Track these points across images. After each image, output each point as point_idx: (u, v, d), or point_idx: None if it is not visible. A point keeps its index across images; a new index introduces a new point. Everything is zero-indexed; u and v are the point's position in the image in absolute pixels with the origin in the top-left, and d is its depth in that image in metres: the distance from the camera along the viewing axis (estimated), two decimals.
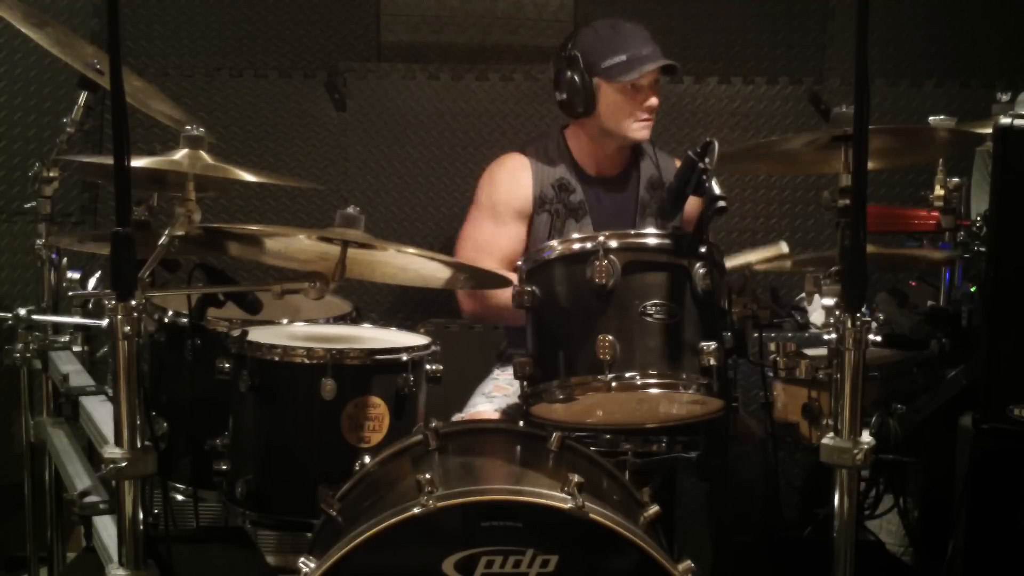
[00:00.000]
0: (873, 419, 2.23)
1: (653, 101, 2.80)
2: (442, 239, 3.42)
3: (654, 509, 1.90)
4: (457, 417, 2.75)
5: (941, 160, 2.54)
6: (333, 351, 2.18)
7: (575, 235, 2.15)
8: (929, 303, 2.54)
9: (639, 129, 2.81)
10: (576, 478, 1.73)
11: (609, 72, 2.75)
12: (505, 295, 2.65)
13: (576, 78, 2.76)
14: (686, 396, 2.07)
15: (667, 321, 2.00)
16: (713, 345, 1.99)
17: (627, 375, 1.98)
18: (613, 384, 1.97)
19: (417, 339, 2.35)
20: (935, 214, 2.56)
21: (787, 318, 2.85)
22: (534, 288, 2.07)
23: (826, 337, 1.79)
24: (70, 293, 2.60)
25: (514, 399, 2.37)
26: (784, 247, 2.64)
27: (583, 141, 2.89)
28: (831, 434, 1.77)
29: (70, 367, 2.47)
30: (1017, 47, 3.52)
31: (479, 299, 2.81)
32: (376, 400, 2.20)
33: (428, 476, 1.73)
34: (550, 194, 2.86)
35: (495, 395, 2.79)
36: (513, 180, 2.87)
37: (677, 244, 2.03)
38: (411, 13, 3.51)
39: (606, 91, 2.77)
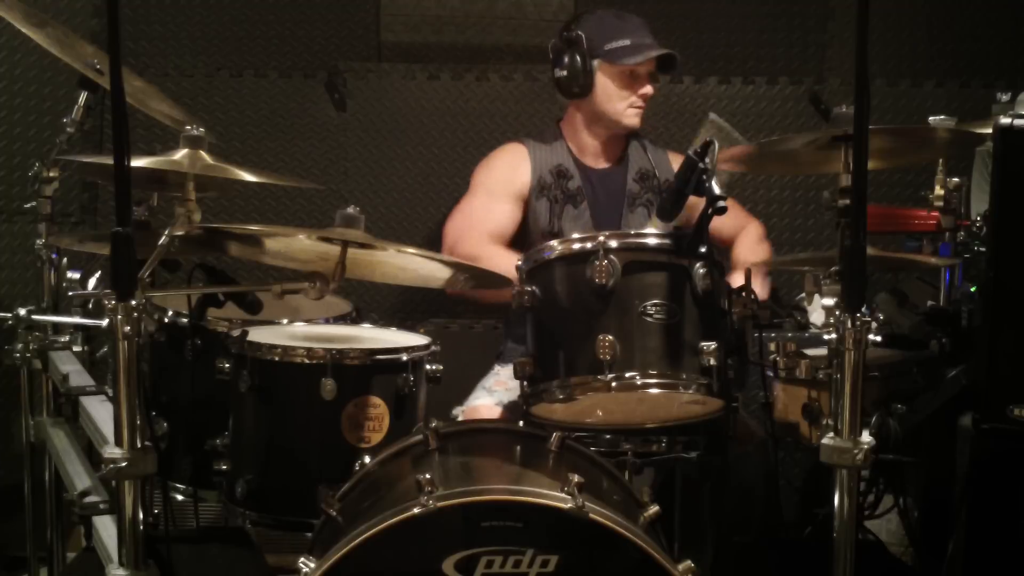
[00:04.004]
0: (873, 419, 2.23)
1: (648, 89, 2.86)
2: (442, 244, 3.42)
3: (654, 509, 1.90)
4: (457, 409, 2.76)
5: (941, 160, 2.54)
6: (333, 351, 2.18)
7: (575, 235, 2.16)
8: (929, 303, 2.53)
9: (632, 115, 2.86)
10: (576, 478, 1.73)
11: (611, 55, 2.78)
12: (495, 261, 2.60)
13: (577, 58, 2.80)
14: (686, 396, 2.07)
15: (667, 321, 2.00)
16: (713, 345, 1.99)
17: (627, 375, 1.98)
18: (613, 384, 1.97)
19: (417, 339, 2.35)
20: (935, 214, 2.56)
21: (787, 318, 2.85)
22: (534, 288, 2.07)
23: (826, 337, 1.79)
24: (70, 293, 2.60)
25: (515, 394, 2.37)
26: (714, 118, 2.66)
27: (578, 129, 2.93)
28: (831, 434, 1.77)
29: (70, 367, 2.47)
30: (1017, 47, 3.52)
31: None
32: (376, 400, 2.20)
33: (428, 476, 1.73)
34: (549, 180, 2.89)
35: (496, 389, 2.80)
36: (512, 165, 2.91)
37: (677, 244, 2.03)
38: (411, 13, 3.50)
39: (605, 73, 2.81)
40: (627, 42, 2.79)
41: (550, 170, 2.90)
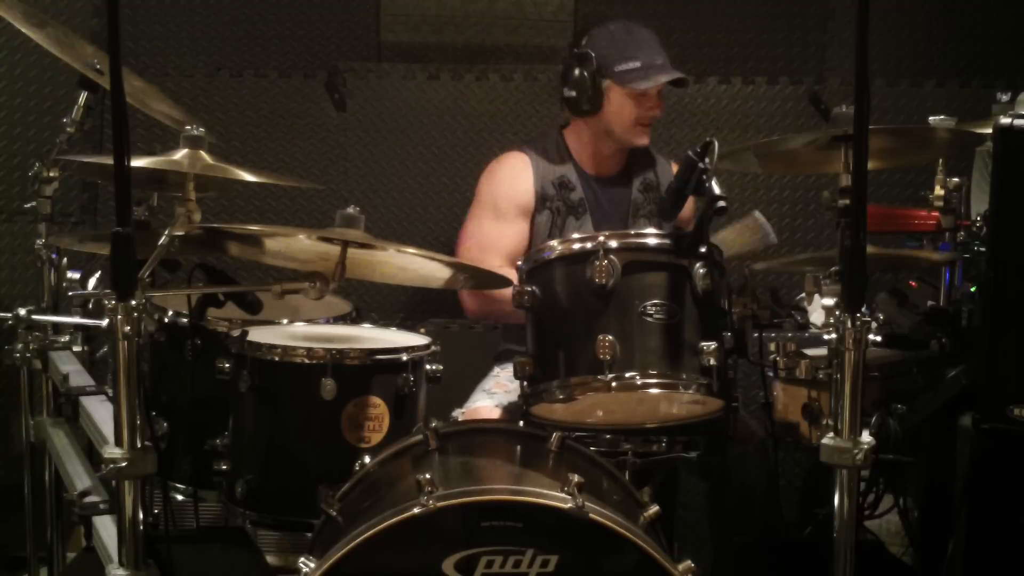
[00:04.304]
0: (873, 419, 2.23)
1: (658, 112, 2.86)
2: (442, 239, 3.42)
3: (654, 509, 1.90)
4: (457, 411, 2.76)
5: (941, 160, 2.54)
6: (333, 351, 2.18)
7: (575, 235, 2.15)
8: (929, 303, 2.53)
9: (640, 134, 2.86)
10: (576, 478, 1.73)
11: (622, 77, 2.77)
12: (509, 292, 2.63)
13: (587, 76, 2.79)
14: (686, 396, 2.07)
15: (667, 321, 2.00)
16: (713, 345, 1.99)
17: (627, 375, 1.98)
18: (613, 384, 1.97)
19: (417, 339, 2.35)
20: (935, 214, 2.55)
21: (787, 318, 2.85)
22: (534, 288, 2.07)
23: (826, 337, 1.79)
24: (70, 293, 2.60)
25: (514, 396, 2.37)
26: (759, 216, 2.64)
27: (583, 140, 2.91)
28: (831, 434, 1.77)
29: (70, 367, 2.47)
30: (1017, 47, 3.52)
31: (482, 298, 2.81)
32: (376, 400, 2.20)
33: (428, 476, 1.73)
34: (551, 191, 2.87)
35: (495, 391, 2.79)
36: (514, 177, 2.89)
37: (677, 244, 2.03)
38: (411, 13, 3.51)
39: (615, 94, 2.80)
40: (637, 64, 2.77)
41: (552, 181, 2.88)
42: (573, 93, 2.82)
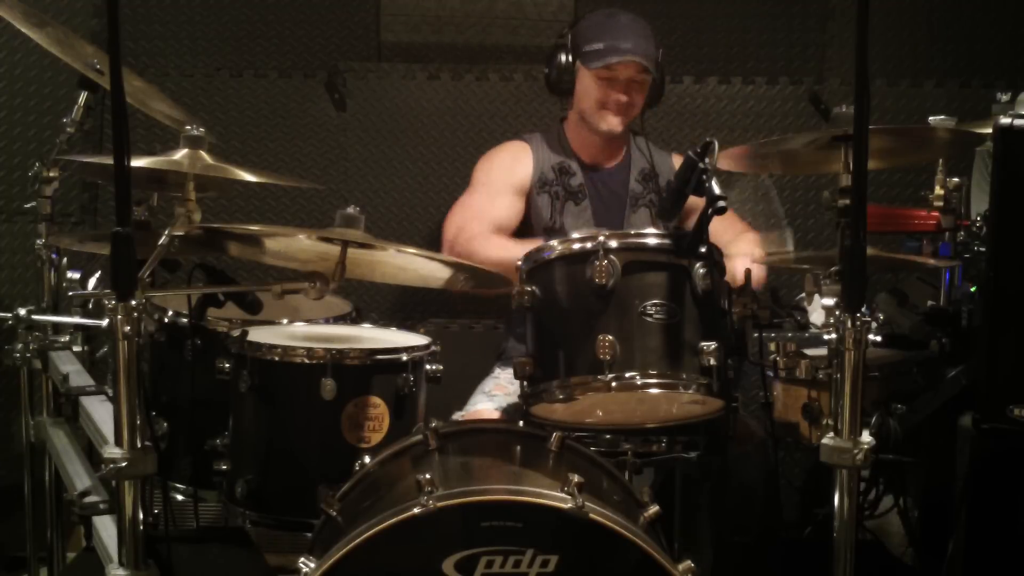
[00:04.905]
0: (873, 419, 2.23)
1: (622, 97, 2.82)
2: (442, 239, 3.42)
3: (654, 509, 1.90)
4: (457, 415, 2.76)
5: (941, 160, 2.54)
6: (333, 351, 2.18)
7: (575, 235, 2.16)
8: (929, 303, 2.53)
9: (607, 119, 2.85)
10: (576, 478, 1.73)
11: (585, 56, 2.81)
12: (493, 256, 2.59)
13: (561, 57, 2.83)
14: (686, 396, 2.06)
15: (667, 321, 2.00)
16: (713, 345, 1.99)
17: (627, 375, 1.98)
18: (613, 384, 1.97)
19: (417, 339, 2.35)
20: (935, 214, 2.55)
21: (787, 318, 2.85)
22: (534, 288, 2.07)
23: (826, 337, 1.79)
24: (70, 293, 2.60)
25: (515, 398, 2.37)
26: (789, 243, 2.65)
27: (576, 129, 2.95)
28: (831, 434, 1.77)
29: (70, 367, 2.47)
30: (1017, 47, 3.52)
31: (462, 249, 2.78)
32: (376, 400, 2.20)
33: (428, 476, 1.73)
34: (551, 176, 2.90)
35: (496, 394, 2.79)
36: (512, 160, 2.93)
37: (677, 244, 2.03)
38: (411, 13, 3.51)
39: (583, 75, 2.84)
40: (601, 45, 2.78)
41: (552, 166, 2.91)
42: (547, 71, 2.88)
